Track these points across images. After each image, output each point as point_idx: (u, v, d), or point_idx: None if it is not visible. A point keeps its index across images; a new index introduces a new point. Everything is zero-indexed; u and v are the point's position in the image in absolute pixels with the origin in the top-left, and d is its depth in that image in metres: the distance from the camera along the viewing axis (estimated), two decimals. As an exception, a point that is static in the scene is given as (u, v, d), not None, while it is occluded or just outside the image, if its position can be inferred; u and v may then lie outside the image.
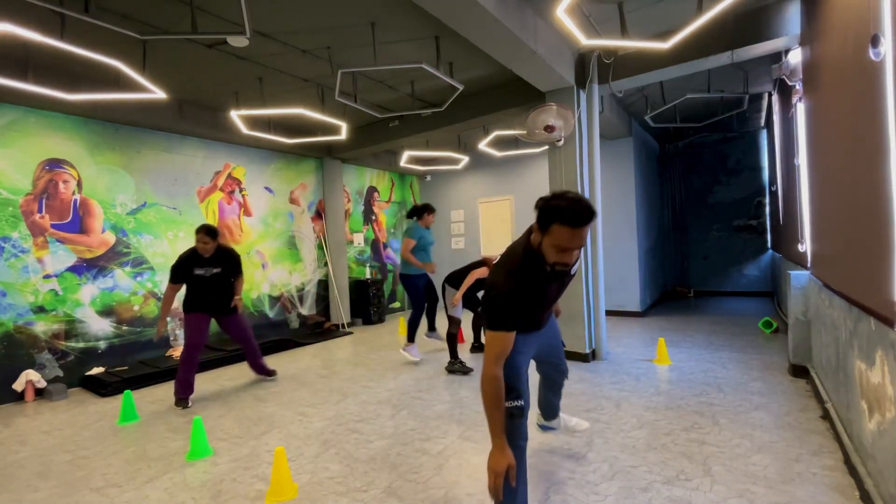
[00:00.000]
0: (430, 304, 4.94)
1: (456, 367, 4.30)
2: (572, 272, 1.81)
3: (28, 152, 4.30)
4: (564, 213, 1.51)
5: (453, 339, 4.36)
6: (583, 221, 1.51)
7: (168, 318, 5.14)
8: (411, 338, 4.75)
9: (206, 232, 3.77)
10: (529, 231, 1.71)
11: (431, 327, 5.15)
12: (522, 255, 1.69)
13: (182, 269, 3.81)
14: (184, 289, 3.90)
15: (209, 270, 3.87)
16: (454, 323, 4.36)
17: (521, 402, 1.79)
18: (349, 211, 7.78)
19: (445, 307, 4.43)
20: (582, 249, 1.72)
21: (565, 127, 4.23)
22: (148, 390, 4.26)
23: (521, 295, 1.67)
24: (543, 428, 2.59)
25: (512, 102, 5.04)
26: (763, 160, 8.23)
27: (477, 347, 5.04)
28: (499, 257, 1.89)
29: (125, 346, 4.88)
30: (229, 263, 3.99)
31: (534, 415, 2.59)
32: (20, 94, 3.93)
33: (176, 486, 2.42)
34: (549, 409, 2.50)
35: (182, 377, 3.74)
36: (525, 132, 4.37)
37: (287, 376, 4.49)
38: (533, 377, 2.20)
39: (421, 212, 4.70)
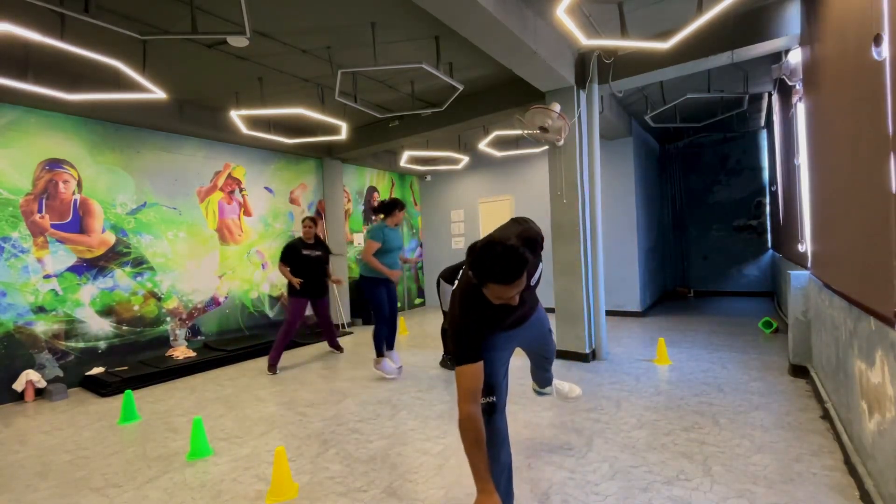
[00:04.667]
0: (391, 319, 4.28)
1: (449, 360, 4.33)
2: (532, 283, 1.75)
3: (28, 152, 4.29)
4: (494, 273, 1.41)
5: (445, 333, 4.37)
6: (514, 276, 1.41)
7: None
8: (380, 352, 4.20)
9: (310, 217, 4.83)
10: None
11: (389, 345, 4.34)
12: (472, 286, 1.60)
13: (291, 252, 4.68)
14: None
15: (312, 252, 4.76)
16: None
17: (492, 399, 1.76)
18: (349, 211, 7.78)
19: (441, 303, 4.14)
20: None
21: (555, 128, 4.20)
22: (148, 390, 4.26)
23: (479, 320, 1.62)
24: (538, 393, 2.67)
25: (512, 102, 5.05)
26: (763, 160, 8.22)
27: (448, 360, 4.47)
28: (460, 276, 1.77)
29: (125, 346, 4.88)
30: (325, 249, 4.95)
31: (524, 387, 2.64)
32: (20, 94, 3.93)
33: (176, 486, 2.42)
34: (542, 381, 2.58)
35: (274, 353, 4.61)
36: (524, 129, 4.36)
37: (287, 376, 4.49)
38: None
39: (390, 208, 4.16)
